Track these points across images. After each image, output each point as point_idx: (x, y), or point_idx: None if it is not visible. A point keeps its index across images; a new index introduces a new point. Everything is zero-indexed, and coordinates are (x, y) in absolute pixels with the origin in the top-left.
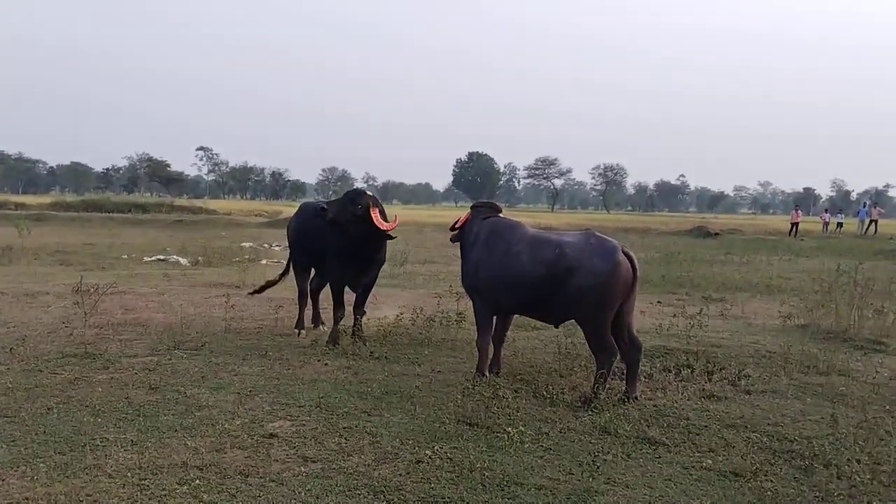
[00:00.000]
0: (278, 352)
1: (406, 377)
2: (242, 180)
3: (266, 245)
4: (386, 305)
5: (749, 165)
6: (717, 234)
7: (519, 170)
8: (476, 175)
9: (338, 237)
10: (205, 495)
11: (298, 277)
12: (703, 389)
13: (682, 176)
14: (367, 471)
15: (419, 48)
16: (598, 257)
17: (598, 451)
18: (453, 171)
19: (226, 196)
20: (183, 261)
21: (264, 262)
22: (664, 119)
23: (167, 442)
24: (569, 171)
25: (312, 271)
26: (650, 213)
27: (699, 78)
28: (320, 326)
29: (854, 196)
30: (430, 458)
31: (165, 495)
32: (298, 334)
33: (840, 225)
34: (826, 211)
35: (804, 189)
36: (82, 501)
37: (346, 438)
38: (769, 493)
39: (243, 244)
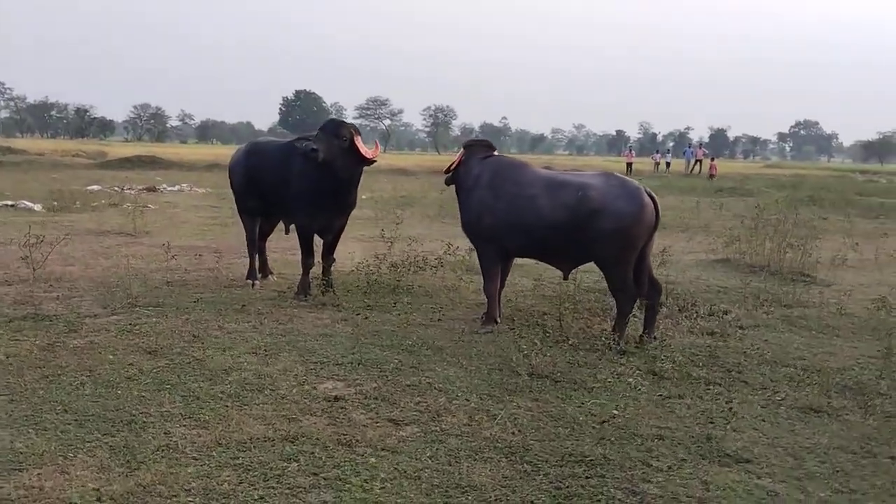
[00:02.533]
0: (252, 305)
1: (414, 328)
2: (41, 117)
3: (118, 188)
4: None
5: (565, 108)
6: None
7: (346, 109)
8: (304, 114)
9: (311, 178)
10: (329, 472)
11: (247, 224)
12: (700, 326)
13: (505, 118)
14: (474, 430)
15: None
16: (623, 199)
17: (669, 396)
18: (279, 109)
19: (22, 134)
20: (36, 207)
21: (127, 206)
22: (479, 61)
23: (225, 413)
24: (400, 111)
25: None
26: None
27: (521, 22)
28: (269, 277)
29: (660, 138)
30: (527, 412)
31: (281, 475)
32: (252, 285)
33: (668, 164)
34: (657, 151)
35: (616, 132)
36: (190, 490)
37: (419, 397)
38: (858, 428)
39: (91, 188)
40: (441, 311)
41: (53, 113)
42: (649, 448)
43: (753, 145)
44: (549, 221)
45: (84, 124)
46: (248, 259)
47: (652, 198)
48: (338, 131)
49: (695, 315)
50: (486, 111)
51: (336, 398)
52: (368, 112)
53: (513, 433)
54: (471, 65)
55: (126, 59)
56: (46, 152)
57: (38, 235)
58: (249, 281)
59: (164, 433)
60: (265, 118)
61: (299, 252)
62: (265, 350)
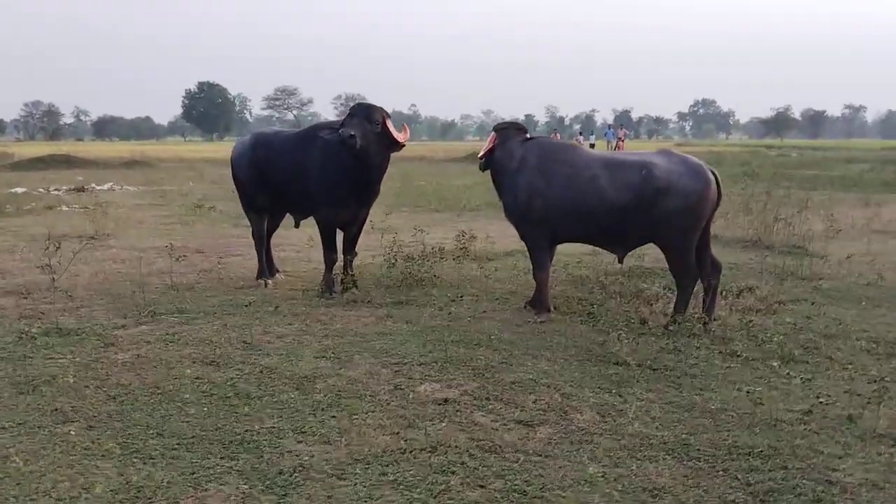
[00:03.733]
0: (282, 306)
1: (466, 321)
2: None
3: (41, 190)
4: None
5: (473, 95)
6: None
7: (250, 100)
8: (208, 107)
9: (337, 167)
10: (494, 482)
11: (254, 221)
12: (739, 304)
13: (414, 105)
14: (613, 427)
15: None
16: (688, 176)
17: (780, 376)
18: (182, 102)
19: None
20: None
21: (65, 208)
22: (399, 53)
23: (339, 425)
24: (309, 101)
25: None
26: None
27: (426, 11)
28: (276, 275)
29: (567, 121)
30: (651, 404)
31: (447, 491)
32: (266, 285)
33: (592, 146)
34: (580, 133)
35: (525, 116)
36: None
37: (532, 395)
38: None
39: (15, 190)
40: (480, 302)
41: None
42: (804, 433)
43: (657, 125)
44: (612, 203)
45: None
46: (258, 257)
47: (715, 175)
48: (370, 115)
49: (726, 293)
50: (396, 99)
51: (445, 400)
52: (277, 102)
53: (657, 427)
54: (379, 53)
55: (12, 51)
56: None
57: (56, 242)
58: (261, 280)
59: (288, 452)
60: (165, 112)
61: (295, 247)
62: (334, 354)
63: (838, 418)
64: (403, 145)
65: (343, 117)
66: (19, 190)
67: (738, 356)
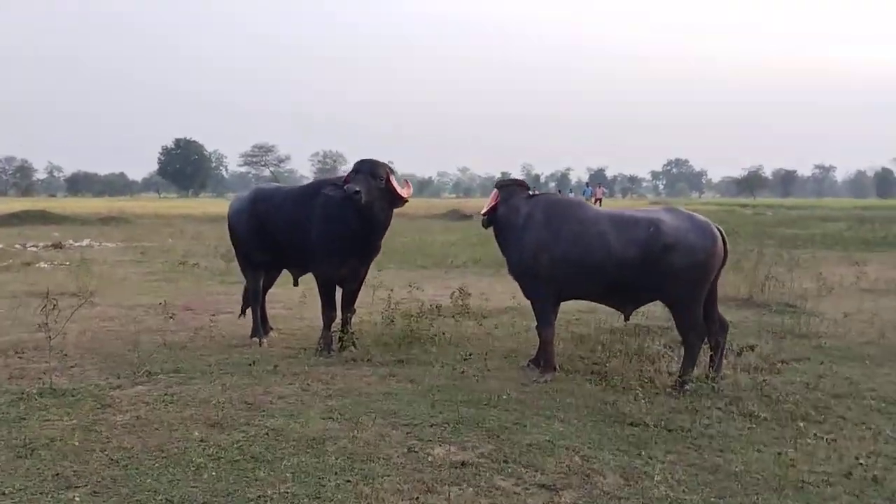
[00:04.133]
0: (277, 366)
1: (466, 381)
2: None
3: (18, 246)
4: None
5: (449, 153)
6: (470, 216)
7: (226, 157)
8: (184, 163)
9: (339, 222)
10: None
11: (250, 278)
12: (740, 363)
13: (391, 162)
14: (639, 491)
15: (111, 25)
16: (694, 233)
17: (793, 437)
18: (158, 158)
19: None
20: None
21: (43, 265)
22: (375, 111)
23: (355, 490)
24: (287, 157)
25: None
26: None
27: (403, 64)
28: (269, 333)
29: (542, 179)
30: (672, 465)
31: None
32: (260, 343)
33: None
34: (559, 192)
35: (501, 173)
36: None
37: (550, 457)
38: None
39: None
40: (482, 360)
41: None
42: (833, 496)
43: (631, 184)
44: (620, 259)
45: None
46: (252, 315)
47: (721, 232)
48: (375, 171)
49: (727, 351)
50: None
51: (463, 464)
52: (254, 159)
53: (683, 491)
54: (355, 111)
55: None
56: None
57: (54, 299)
58: (255, 339)
59: None
60: (139, 168)
61: (284, 304)
62: (340, 414)
63: (864, 480)
64: (407, 200)
65: (348, 173)
66: None
67: (755, 416)
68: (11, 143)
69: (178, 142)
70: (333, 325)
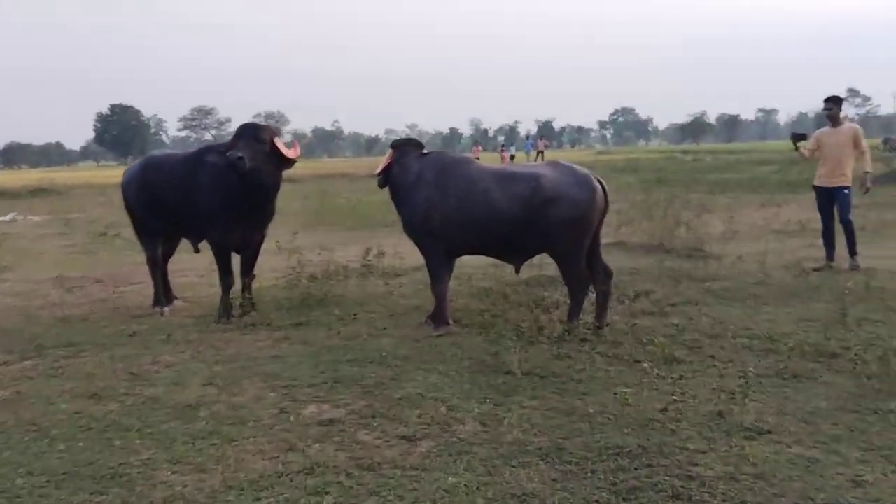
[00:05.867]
0: (175, 334)
1: (364, 339)
2: None
3: None
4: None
5: (397, 110)
6: None
7: (166, 122)
8: (122, 129)
9: (226, 189)
10: (366, 500)
11: (148, 245)
12: (634, 308)
13: (337, 121)
14: (494, 436)
15: None
16: (576, 187)
17: (661, 377)
18: (94, 126)
19: None
20: None
21: None
22: (319, 69)
23: (217, 453)
24: (227, 120)
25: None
26: (313, 158)
27: (345, 31)
28: (174, 302)
29: (491, 133)
30: (534, 411)
31: None
32: (162, 313)
33: (513, 157)
34: (503, 146)
35: (450, 129)
36: None
37: (417, 409)
38: (846, 387)
39: None
40: (382, 319)
41: None
42: (673, 431)
43: (579, 134)
44: (504, 214)
45: None
46: (153, 284)
47: (602, 184)
48: (258, 135)
49: (623, 297)
50: (318, 116)
51: (330, 421)
52: (193, 123)
53: (535, 434)
54: (300, 69)
55: None
56: None
57: None
58: (157, 308)
59: (162, 483)
60: (77, 137)
61: (197, 272)
62: (222, 380)
63: (709, 414)
64: (295, 161)
65: (231, 138)
66: None
67: (624, 359)
68: None
69: (113, 108)
70: (233, 290)
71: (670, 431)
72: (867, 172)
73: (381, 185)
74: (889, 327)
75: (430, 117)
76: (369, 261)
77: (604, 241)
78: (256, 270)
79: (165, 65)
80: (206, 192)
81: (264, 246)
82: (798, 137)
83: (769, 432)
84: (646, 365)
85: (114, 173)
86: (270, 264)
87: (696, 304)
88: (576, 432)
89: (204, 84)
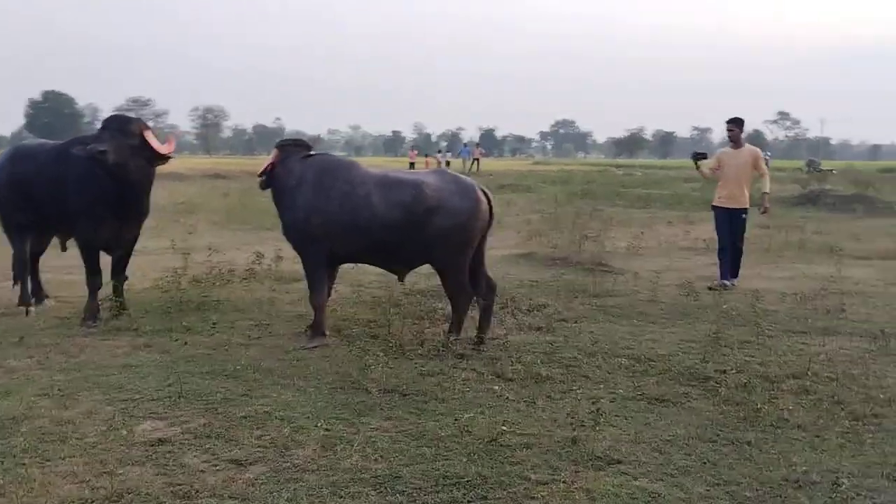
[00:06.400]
0: (32, 337)
1: (233, 349)
2: None
3: None
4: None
5: (341, 110)
6: None
7: (102, 111)
8: (53, 117)
9: (94, 183)
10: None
11: (14, 242)
12: (525, 322)
13: (279, 119)
14: (331, 462)
15: None
16: (458, 196)
17: (523, 399)
18: (26, 112)
19: None
20: None
21: None
22: (262, 66)
23: (23, 473)
24: (165, 112)
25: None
26: (252, 155)
27: (291, 29)
28: (45, 301)
29: (434, 138)
30: (384, 434)
31: None
32: (27, 313)
33: (448, 164)
34: (439, 152)
35: (393, 132)
36: None
37: (259, 429)
38: (709, 414)
39: None
40: (259, 327)
41: None
42: (520, 459)
43: (520, 144)
44: (385, 220)
45: None
46: (20, 283)
47: (486, 194)
48: (125, 128)
49: (516, 311)
50: (259, 112)
51: (160, 441)
52: (129, 114)
53: (375, 460)
54: (242, 64)
55: None
56: None
57: None
58: (23, 307)
59: None
60: (8, 123)
61: (80, 271)
62: (60, 391)
63: (563, 441)
64: (170, 157)
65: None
66: None
67: (500, 377)
68: None
69: (45, 94)
70: (104, 292)
71: (518, 460)
72: (766, 193)
73: (263, 187)
74: (762, 351)
75: (373, 120)
76: (257, 264)
77: (515, 251)
78: (145, 270)
79: (102, 52)
80: (72, 187)
81: (160, 244)
82: (699, 156)
83: (619, 462)
84: (496, 387)
85: None
86: (161, 264)
87: (585, 320)
88: (418, 458)
89: (141, 73)
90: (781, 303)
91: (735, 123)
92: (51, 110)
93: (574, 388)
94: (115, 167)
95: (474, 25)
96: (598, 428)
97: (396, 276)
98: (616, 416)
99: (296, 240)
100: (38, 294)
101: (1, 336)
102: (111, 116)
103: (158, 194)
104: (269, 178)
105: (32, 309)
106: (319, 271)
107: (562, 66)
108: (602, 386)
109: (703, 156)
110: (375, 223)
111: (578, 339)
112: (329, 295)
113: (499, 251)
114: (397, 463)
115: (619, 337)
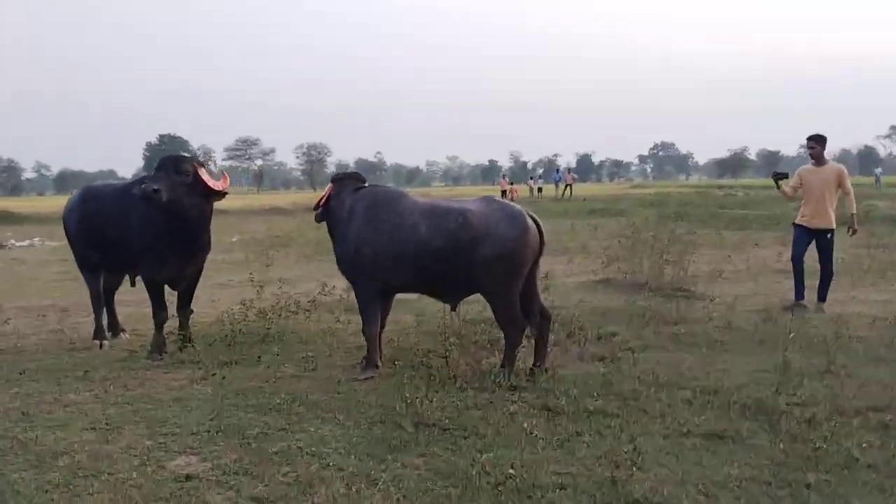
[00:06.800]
0: (97, 371)
1: (286, 381)
2: None
3: None
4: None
5: (437, 141)
6: None
7: (216, 152)
8: None
9: (153, 222)
10: None
11: (88, 279)
12: (590, 352)
13: (379, 153)
14: (352, 501)
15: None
16: (504, 223)
17: (567, 435)
18: (143, 155)
19: None
20: None
21: None
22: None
23: None
24: (272, 150)
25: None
26: None
27: (382, 51)
28: (121, 335)
29: (530, 165)
30: (413, 471)
31: None
32: (101, 346)
33: (540, 190)
34: (531, 178)
35: (489, 161)
36: None
37: (287, 466)
38: (767, 453)
39: None
40: (315, 359)
41: None
42: (551, 501)
43: (617, 168)
44: (431, 249)
45: None
46: (94, 316)
47: (535, 221)
48: (179, 167)
49: (583, 340)
50: (360, 147)
51: (188, 477)
52: (238, 153)
53: (398, 500)
54: (343, 102)
55: None
56: None
57: None
58: (97, 341)
59: None
60: (128, 165)
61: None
62: (107, 424)
63: (601, 482)
64: (225, 193)
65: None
66: None
67: (549, 411)
68: None
69: (161, 137)
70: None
71: (548, 501)
72: (853, 214)
73: (319, 220)
74: (841, 382)
75: (470, 150)
76: (324, 294)
77: (593, 277)
78: (221, 303)
79: (209, 98)
80: (135, 226)
81: (238, 278)
82: (780, 176)
83: None
84: (541, 422)
85: None
86: (241, 296)
87: (653, 349)
88: (442, 498)
89: (251, 118)
90: (871, 328)
91: (816, 140)
92: (166, 152)
93: (626, 422)
94: (170, 204)
95: (573, 48)
96: (640, 467)
97: (449, 306)
98: (667, 453)
99: (347, 272)
100: (115, 328)
101: (69, 370)
102: (166, 157)
103: (258, 228)
104: (325, 211)
105: (105, 343)
106: (372, 303)
107: (662, 89)
108: (658, 421)
109: (785, 175)
110: (422, 252)
111: (642, 370)
112: (383, 326)
113: (577, 277)
114: (419, 503)
115: (687, 367)
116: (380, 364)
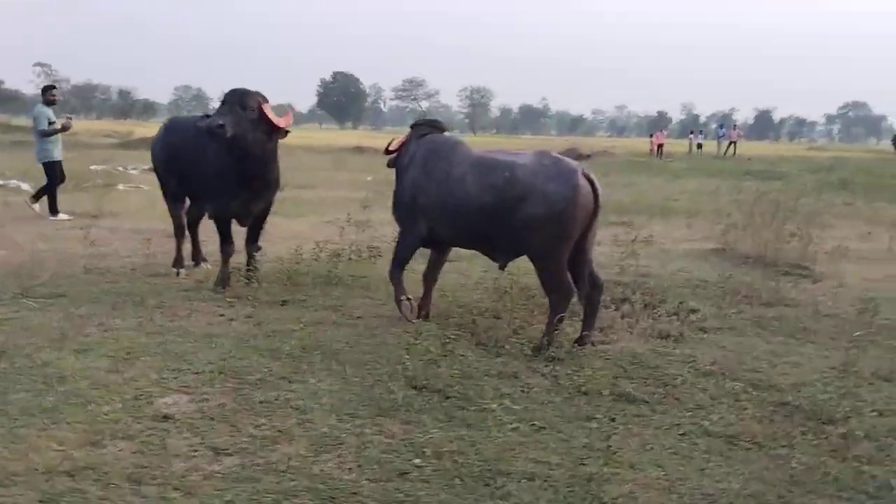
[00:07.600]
0: (157, 297)
1: (323, 327)
2: (86, 98)
3: (120, 168)
4: (274, 237)
5: (606, 90)
6: (589, 155)
7: (385, 91)
8: (341, 96)
9: (221, 154)
10: None
11: (171, 207)
12: (655, 328)
13: (545, 99)
14: (302, 465)
15: None
16: (553, 181)
17: (580, 419)
18: (317, 91)
19: (69, 116)
20: (25, 186)
21: (121, 186)
22: (529, 46)
23: (21, 434)
24: (436, 92)
25: (187, 199)
26: (515, 135)
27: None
28: (202, 265)
29: (703, 119)
30: (384, 441)
31: None
32: (177, 274)
33: (700, 146)
34: (691, 133)
35: (658, 112)
36: None
37: (265, 418)
38: (793, 463)
39: (92, 167)
40: (367, 307)
41: (97, 95)
42: (509, 493)
43: (800, 127)
44: (477, 205)
45: (127, 106)
46: (175, 245)
47: (590, 179)
48: (244, 101)
49: (658, 314)
50: (525, 91)
51: (165, 417)
52: (405, 94)
53: (349, 469)
54: (510, 45)
55: (169, 38)
56: (80, 133)
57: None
58: (175, 269)
59: None
60: (303, 100)
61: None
62: (127, 353)
63: (578, 478)
64: (288, 130)
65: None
66: (98, 167)
67: (577, 390)
68: (187, 74)
69: (335, 75)
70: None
71: (506, 493)
72: None
73: (389, 166)
74: None
75: (639, 100)
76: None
77: (707, 245)
78: (303, 241)
79: (384, 41)
80: (206, 159)
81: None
82: None
83: None
84: (556, 400)
85: (321, 136)
86: (325, 235)
87: (728, 332)
88: (391, 475)
89: (418, 59)
90: None
91: None
92: (339, 89)
93: (651, 413)
94: (234, 140)
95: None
96: (626, 467)
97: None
98: (673, 453)
99: (400, 217)
100: (197, 257)
101: (128, 295)
102: (231, 90)
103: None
104: (395, 157)
105: (182, 271)
106: (408, 251)
107: (856, 42)
108: (689, 415)
109: None
110: (466, 206)
111: (701, 354)
112: (436, 278)
113: (690, 244)
114: (366, 477)
115: (754, 357)
116: (408, 313)
